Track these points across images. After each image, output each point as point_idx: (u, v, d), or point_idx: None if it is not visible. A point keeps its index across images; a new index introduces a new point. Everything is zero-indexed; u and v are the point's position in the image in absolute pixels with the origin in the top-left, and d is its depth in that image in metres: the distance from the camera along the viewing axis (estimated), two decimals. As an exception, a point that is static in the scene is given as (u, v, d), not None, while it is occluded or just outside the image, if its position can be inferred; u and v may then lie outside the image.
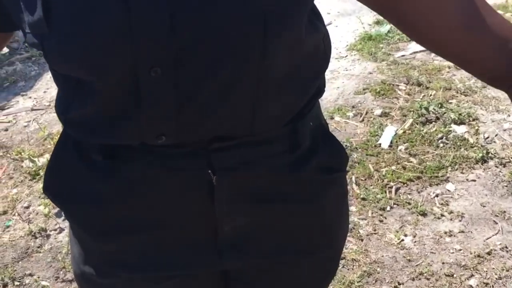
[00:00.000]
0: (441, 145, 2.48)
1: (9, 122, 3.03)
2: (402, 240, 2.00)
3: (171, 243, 0.79)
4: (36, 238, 2.16)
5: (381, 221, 2.10)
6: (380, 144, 2.52)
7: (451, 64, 3.19)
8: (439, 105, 2.72)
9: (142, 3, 0.58)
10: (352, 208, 2.16)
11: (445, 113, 2.67)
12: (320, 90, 0.80)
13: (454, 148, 2.45)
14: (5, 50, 3.57)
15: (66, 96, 0.73)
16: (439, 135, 2.53)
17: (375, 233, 2.05)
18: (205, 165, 0.72)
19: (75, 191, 0.78)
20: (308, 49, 0.72)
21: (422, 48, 3.37)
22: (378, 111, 2.77)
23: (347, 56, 3.40)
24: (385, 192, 2.23)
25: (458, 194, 2.20)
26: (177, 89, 0.64)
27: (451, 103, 2.79)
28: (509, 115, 2.66)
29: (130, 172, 0.74)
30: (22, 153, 2.64)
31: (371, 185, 2.28)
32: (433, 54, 3.32)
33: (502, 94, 2.84)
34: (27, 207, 2.34)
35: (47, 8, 0.60)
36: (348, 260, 1.94)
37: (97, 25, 0.59)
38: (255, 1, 0.61)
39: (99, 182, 0.76)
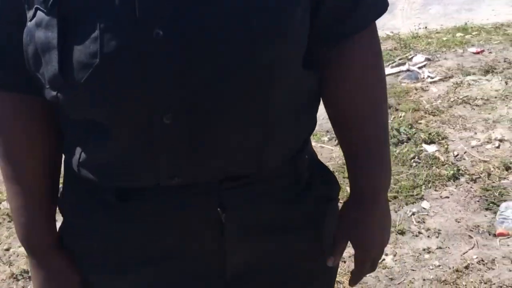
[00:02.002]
0: (414, 164, 2.57)
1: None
2: (383, 259, 2.05)
3: (179, 277, 0.82)
4: (18, 280, 2.14)
5: (361, 242, 2.15)
6: (355, 166, 2.58)
7: (417, 85, 3.31)
8: (409, 126, 2.81)
9: (155, 62, 0.63)
10: (333, 231, 2.21)
11: (415, 133, 2.76)
12: (314, 126, 0.86)
13: (427, 167, 2.54)
14: None
15: (79, 140, 0.75)
16: (412, 155, 2.62)
17: (356, 254, 2.09)
18: (215, 204, 0.76)
19: (87, 232, 0.81)
20: (310, 89, 0.79)
21: (390, 71, 3.49)
22: (351, 135, 2.85)
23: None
24: (364, 213, 2.29)
25: (433, 211, 2.28)
26: (189, 134, 0.68)
27: (420, 123, 2.90)
28: (475, 133, 2.78)
29: (142, 210, 0.77)
30: (0, 195, 2.62)
31: (350, 207, 2.33)
32: (400, 77, 3.45)
33: (467, 113, 2.96)
34: (7, 250, 2.31)
35: (62, 64, 0.64)
36: (332, 282, 1.97)
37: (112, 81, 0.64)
38: (262, 51, 0.66)
39: (111, 222, 0.79)
